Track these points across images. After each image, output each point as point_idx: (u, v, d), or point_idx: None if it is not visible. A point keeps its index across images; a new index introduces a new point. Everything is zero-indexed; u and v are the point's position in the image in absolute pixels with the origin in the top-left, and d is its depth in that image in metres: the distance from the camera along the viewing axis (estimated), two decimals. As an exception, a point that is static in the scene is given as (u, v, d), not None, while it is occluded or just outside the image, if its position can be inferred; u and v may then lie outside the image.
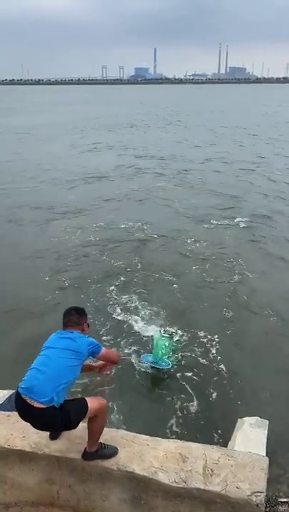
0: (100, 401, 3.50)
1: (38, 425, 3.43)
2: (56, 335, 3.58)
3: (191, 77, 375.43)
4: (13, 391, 5.52)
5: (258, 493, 3.13)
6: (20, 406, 3.32)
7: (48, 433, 3.71)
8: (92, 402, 3.42)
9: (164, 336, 7.57)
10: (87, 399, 3.45)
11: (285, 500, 4.44)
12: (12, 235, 13.51)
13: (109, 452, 3.56)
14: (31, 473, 3.68)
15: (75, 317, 3.68)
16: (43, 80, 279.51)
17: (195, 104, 79.95)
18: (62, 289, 9.81)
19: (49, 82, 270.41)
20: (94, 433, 3.50)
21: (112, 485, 3.50)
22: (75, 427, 3.44)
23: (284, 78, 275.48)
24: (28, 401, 3.23)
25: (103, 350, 3.61)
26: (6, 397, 5.34)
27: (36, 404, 3.20)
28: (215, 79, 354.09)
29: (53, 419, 3.29)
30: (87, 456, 3.53)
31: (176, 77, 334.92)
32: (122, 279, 10.14)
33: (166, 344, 7.21)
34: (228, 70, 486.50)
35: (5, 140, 34.29)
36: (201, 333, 7.99)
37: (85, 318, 3.77)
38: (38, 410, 3.21)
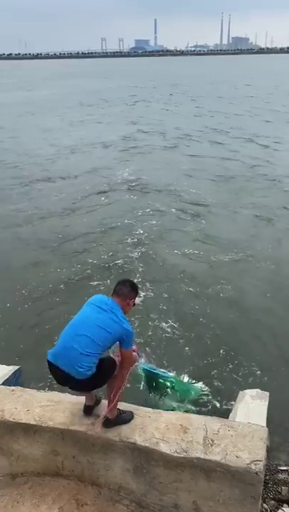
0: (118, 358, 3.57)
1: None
2: (97, 303, 3.48)
3: (193, 49, 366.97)
4: (18, 367, 5.64)
5: (257, 462, 3.20)
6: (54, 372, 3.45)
7: (51, 407, 3.80)
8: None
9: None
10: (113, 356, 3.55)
11: (285, 468, 4.55)
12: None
13: (128, 417, 3.64)
14: (36, 445, 3.78)
15: (127, 289, 3.57)
16: (41, 54, 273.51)
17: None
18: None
19: (48, 56, 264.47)
20: (113, 387, 3.51)
21: (115, 455, 3.58)
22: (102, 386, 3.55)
23: (288, 48, 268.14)
24: (60, 369, 3.35)
25: (134, 347, 3.54)
26: (12, 372, 5.44)
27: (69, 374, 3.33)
28: (217, 50, 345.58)
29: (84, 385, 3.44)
30: (109, 423, 3.57)
31: (178, 49, 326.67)
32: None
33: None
34: (230, 41, 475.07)
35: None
36: (198, 304, 8.04)
37: (134, 295, 3.63)
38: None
